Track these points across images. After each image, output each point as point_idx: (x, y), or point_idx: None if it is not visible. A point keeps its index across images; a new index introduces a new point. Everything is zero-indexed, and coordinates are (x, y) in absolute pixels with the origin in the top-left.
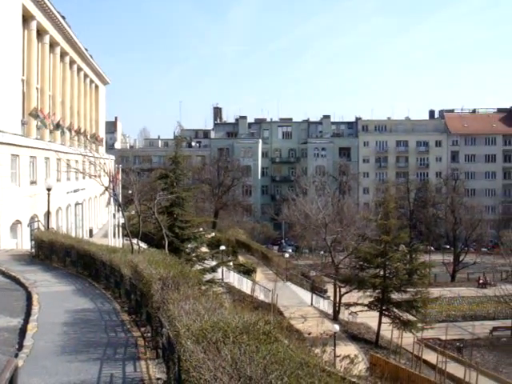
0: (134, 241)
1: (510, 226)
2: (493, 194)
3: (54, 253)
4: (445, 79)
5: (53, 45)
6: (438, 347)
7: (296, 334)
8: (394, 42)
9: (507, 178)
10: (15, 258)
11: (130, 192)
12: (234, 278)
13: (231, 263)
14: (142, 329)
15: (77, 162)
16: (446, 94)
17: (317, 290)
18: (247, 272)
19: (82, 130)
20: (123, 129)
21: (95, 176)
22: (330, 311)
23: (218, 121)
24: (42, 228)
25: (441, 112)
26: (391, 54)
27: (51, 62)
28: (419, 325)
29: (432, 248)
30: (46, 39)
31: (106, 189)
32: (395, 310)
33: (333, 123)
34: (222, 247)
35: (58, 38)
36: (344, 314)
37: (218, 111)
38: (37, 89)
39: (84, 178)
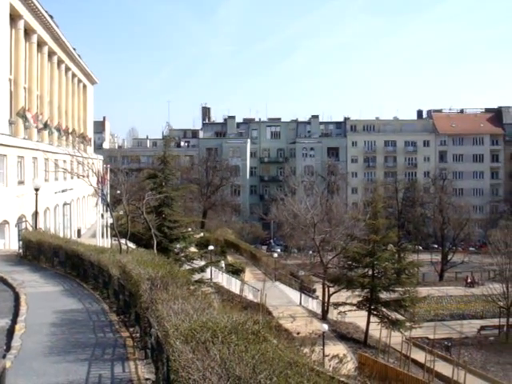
0: (123, 241)
1: (498, 226)
2: (480, 194)
3: (41, 253)
4: (433, 79)
5: (40, 44)
6: (426, 346)
7: (285, 333)
8: (382, 42)
9: (495, 177)
10: (3, 259)
11: (119, 192)
12: (222, 278)
13: (223, 265)
14: (131, 329)
15: (65, 161)
16: (434, 94)
17: (305, 289)
18: (236, 272)
19: (70, 130)
20: (111, 129)
21: (83, 176)
22: (319, 311)
23: (207, 121)
24: (30, 228)
25: (429, 112)
26: (379, 54)
27: (39, 61)
28: (407, 324)
29: (420, 247)
30: (34, 38)
31: (95, 189)
32: (384, 309)
33: (321, 123)
34: (211, 247)
35: (46, 37)
36: (333, 314)
37: (206, 111)
38: (24, 88)
39: (72, 178)
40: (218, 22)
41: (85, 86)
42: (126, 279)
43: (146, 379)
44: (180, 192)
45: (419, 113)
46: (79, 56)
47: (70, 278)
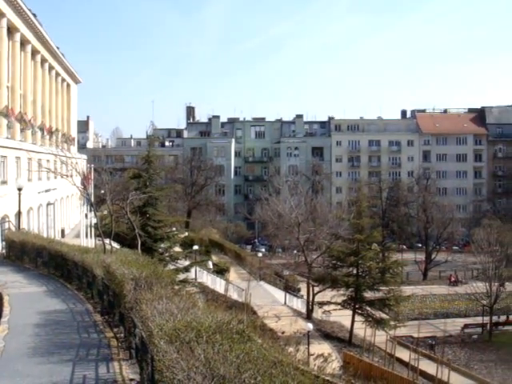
0: (107, 241)
1: (481, 225)
2: (464, 193)
3: (25, 253)
4: (416, 79)
5: (24, 43)
6: (410, 345)
7: (269, 333)
8: (367, 43)
9: (478, 177)
10: None
11: (103, 192)
12: (207, 278)
13: (211, 265)
14: (115, 329)
15: (48, 161)
16: (418, 94)
17: (290, 289)
18: (221, 272)
19: (54, 129)
20: (95, 128)
21: (67, 176)
22: (304, 310)
23: (191, 120)
24: (13, 228)
25: (412, 112)
26: (363, 54)
27: (22, 60)
28: (392, 323)
29: (404, 246)
30: (17, 37)
31: (79, 189)
32: (368, 308)
33: (305, 123)
34: (195, 247)
35: (29, 36)
36: (317, 313)
37: (190, 110)
38: (7, 87)
39: (56, 177)
40: (202, 21)
41: (68, 85)
42: (110, 279)
43: (131, 379)
44: (164, 192)
45: (403, 113)
46: (63, 55)
47: (54, 279)
